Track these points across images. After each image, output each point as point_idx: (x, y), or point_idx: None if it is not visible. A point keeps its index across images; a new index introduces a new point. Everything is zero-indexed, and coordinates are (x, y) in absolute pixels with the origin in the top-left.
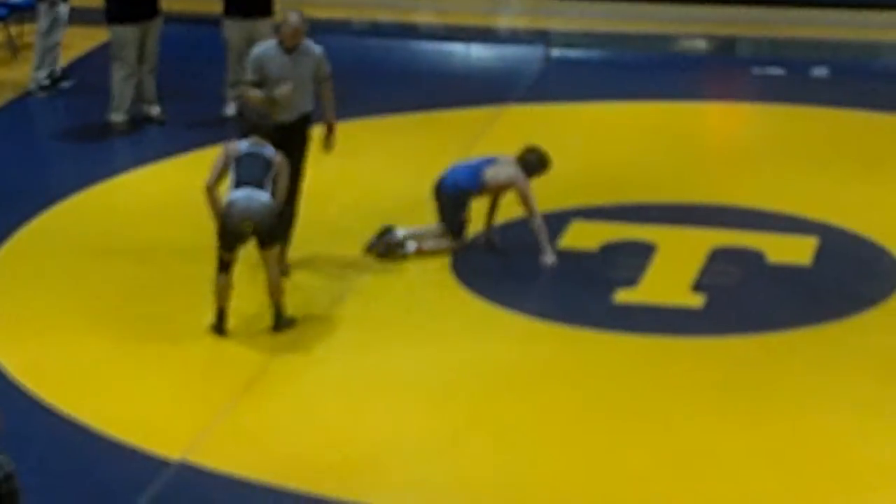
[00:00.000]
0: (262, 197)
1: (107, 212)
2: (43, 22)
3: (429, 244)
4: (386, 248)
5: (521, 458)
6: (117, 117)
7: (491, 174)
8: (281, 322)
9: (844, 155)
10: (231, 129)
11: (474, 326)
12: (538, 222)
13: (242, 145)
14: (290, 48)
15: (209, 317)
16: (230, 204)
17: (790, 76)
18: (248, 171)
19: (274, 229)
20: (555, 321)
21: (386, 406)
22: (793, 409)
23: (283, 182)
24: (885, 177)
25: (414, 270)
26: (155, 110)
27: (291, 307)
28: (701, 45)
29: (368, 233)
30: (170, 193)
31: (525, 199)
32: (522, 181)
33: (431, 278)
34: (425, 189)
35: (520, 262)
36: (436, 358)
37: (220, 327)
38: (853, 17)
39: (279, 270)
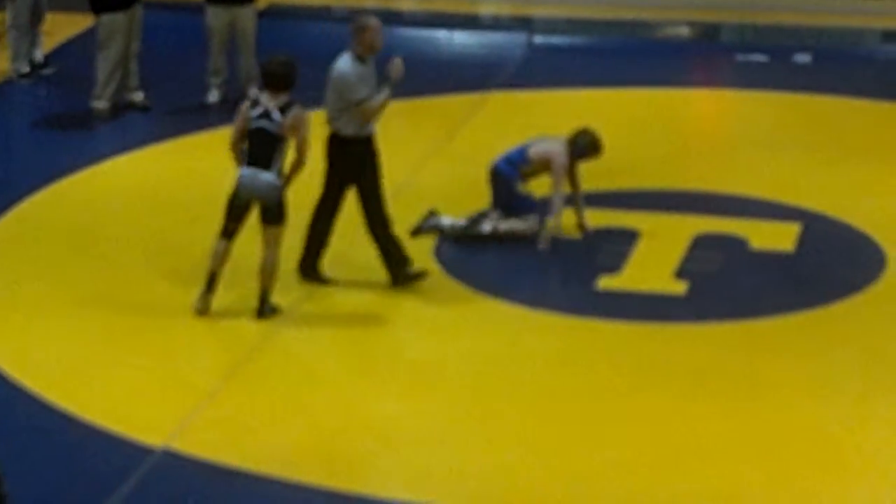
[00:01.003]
0: (267, 176)
1: (91, 199)
2: (13, 11)
3: (504, 226)
4: (431, 230)
5: (510, 446)
6: (100, 104)
7: (534, 149)
8: (265, 308)
9: (827, 141)
10: (214, 115)
11: (459, 315)
12: (557, 203)
13: (254, 112)
14: (366, 57)
15: (194, 299)
16: (238, 180)
17: (773, 62)
18: (256, 150)
19: (278, 206)
20: (539, 308)
21: (372, 395)
22: (776, 396)
23: (304, 134)
24: (867, 163)
25: None
26: (138, 96)
27: (276, 296)
28: (684, 31)
29: (347, 218)
30: (154, 180)
31: (556, 175)
32: (560, 157)
33: (414, 264)
34: (408, 174)
35: (503, 251)
36: (422, 347)
37: (207, 290)
38: (835, 4)
39: (277, 251)
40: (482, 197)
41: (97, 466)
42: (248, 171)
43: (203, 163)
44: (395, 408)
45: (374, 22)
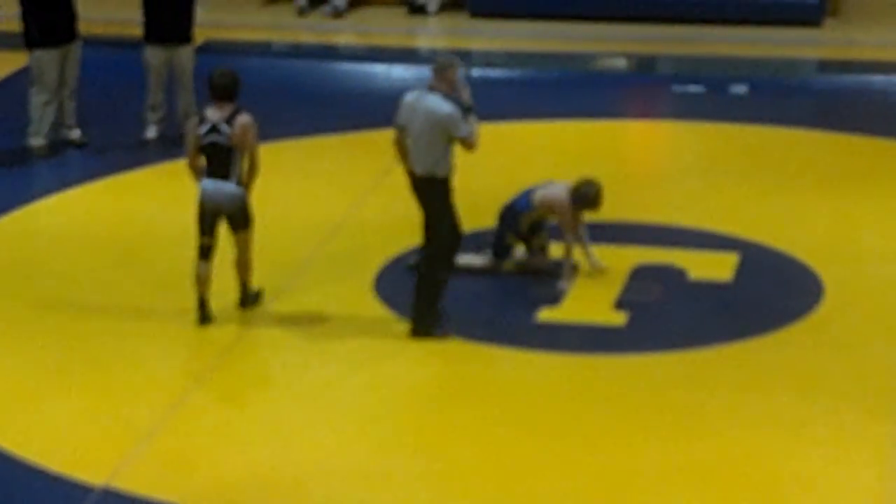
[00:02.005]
0: (229, 186)
1: (28, 236)
2: None
3: (462, 259)
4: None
5: (446, 478)
6: (37, 141)
7: (539, 195)
8: (247, 299)
9: (764, 171)
10: (151, 152)
11: (397, 347)
12: (571, 250)
13: (202, 129)
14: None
15: (129, 341)
16: (201, 192)
17: (709, 93)
18: (213, 164)
19: (243, 213)
20: (478, 340)
21: (310, 428)
22: (715, 426)
23: (252, 140)
24: (804, 192)
25: (337, 291)
26: (75, 133)
27: (209, 330)
28: (621, 63)
29: (288, 253)
30: (92, 217)
31: (565, 225)
32: (565, 207)
33: (354, 299)
34: (346, 209)
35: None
36: (360, 379)
37: (202, 315)
38: (770, 35)
39: (249, 251)
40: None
41: None
42: (210, 183)
43: (140, 200)
44: (334, 441)
45: (456, 61)
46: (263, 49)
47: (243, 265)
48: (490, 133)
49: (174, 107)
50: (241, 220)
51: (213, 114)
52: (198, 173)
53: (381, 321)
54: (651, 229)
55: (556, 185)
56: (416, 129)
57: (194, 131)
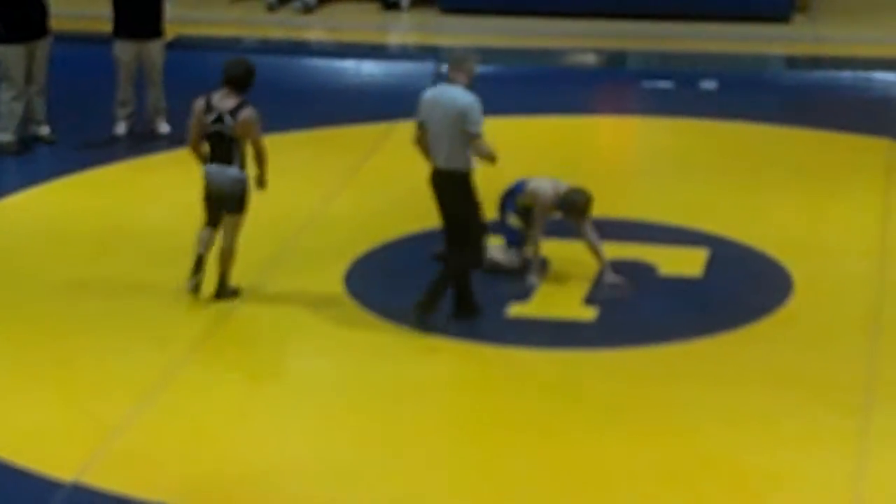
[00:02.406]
0: (231, 171)
1: None
2: None
3: (491, 253)
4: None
5: (421, 475)
6: (5, 137)
7: (532, 185)
8: (224, 291)
9: (733, 167)
10: (120, 148)
11: (368, 343)
12: (538, 245)
13: (209, 117)
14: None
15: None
16: (205, 176)
17: (679, 89)
18: (216, 150)
19: (241, 197)
20: (448, 336)
21: (281, 424)
22: (686, 421)
23: (255, 135)
24: (773, 187)
25: (307, 287)
26: (44, 130)
27: (178, 326)
28: (590, 59)
29: (258, 249)
30: (60, 214)
31: (534, 218)
32: (543, 203)
33: (324, 294)
34: (318, 205)
35: (412, 278)
36: (331, 376)
37: (196, 276)
38: (740, 31)
39: (235, 241)
40: (392, 226)
41: (4, 502)
42: (213, 167)
43: (110, 196)
44: (304, 438)
45: (473, 53)
46: (233, 45)
47: (227, 253)
48: None
49: (143, 103)
50: (237, 203)
51: (220, 102)
52: (202, 158)
53: (352, 317)
54: (621, 225)
55: (548, 182)
56: (437, 121)
57: (200, 118)
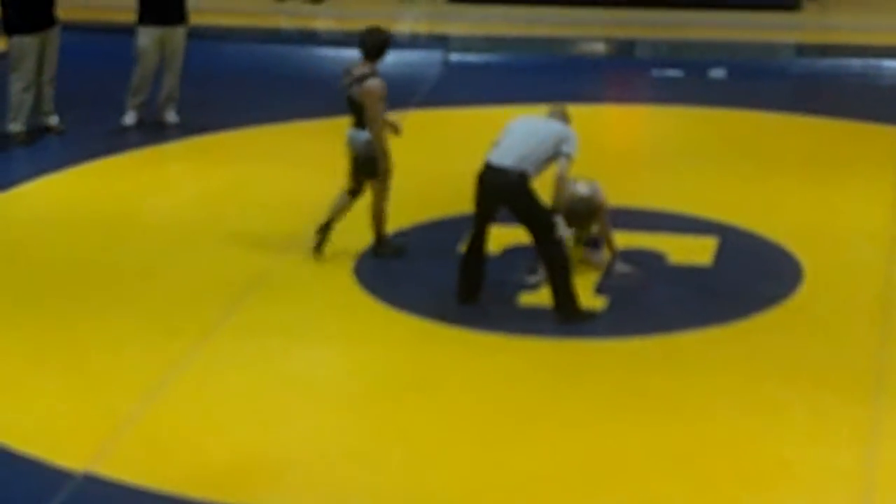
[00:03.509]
0: (363, 134)
1: (6, 223)
2: None
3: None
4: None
5: (426, 462)
6: (15, 127)
7: (584, 192)
8: (383, 248)
9: (742, 155)
10: (130, 137)
11: (377, 332)
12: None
13: (345, 82)
14: None
15: (109, 326)
16: (346, 138)
17: (688, 78)
18: (352, 115)
19: (371, 161)
20: (459, 325)
21: (291, 413)
22: (695, 410)
23: (368, 103)
24: (782, 176)
25: (317, 275)
26: (54, 120)
27: (189, 315)
28: (599, 47)
29: (270, 239)
30: (70, 203)
31: (603, 221)
32: (602, 200)
33: (334, 283)
34: (326, 194)
35: (422, 266)
36: (340, 364)
37: (319, 231)
38: (749, 19)
39: (381, 202)
40: (401, 216)
41: (15, 493)
42: (350, 131)
43: (120, 185)
44: (315, 426)
45: (566, 112)
46: (243, 34)
47: (375, 215)
48: (469, 118)
49: (157, 91)
50: (368, 167)
51: (355, 68)
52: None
53: (361, 305)
54: (630, 214)
55: (584, 185)
56: (523, 130)
57: (343, 81)
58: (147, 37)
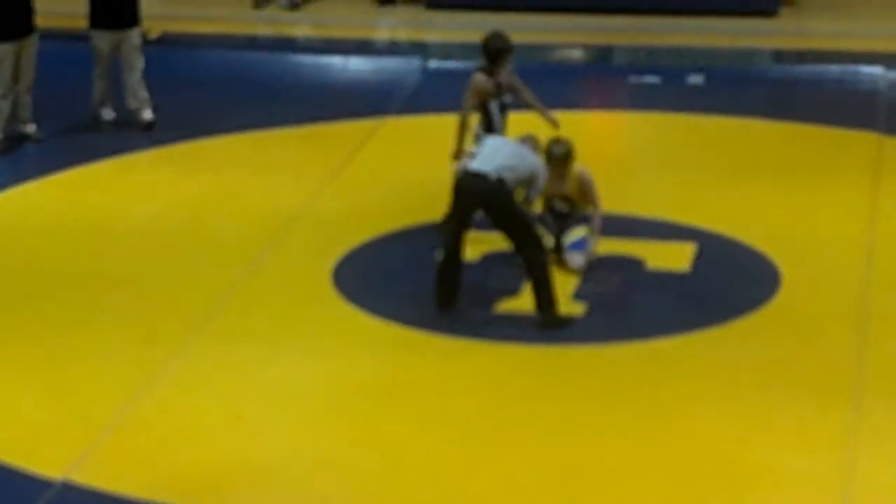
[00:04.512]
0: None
1: None
2: None
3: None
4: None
5: (405, 469)
6: None
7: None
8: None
9: (721, 161)
10: (108, 145)
11: (355, 339)
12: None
13: None
14: None
15: (87, 334)
16: None
17: (666, 84)
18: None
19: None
20: (437, 332)
21: (269, 420)
22: (675, 415)
23: (466, 96)
24: (760, 182)
25: (295, 283)
26: (31, 128)
27: (167, 323)
28: (577, 54)
29: (247, 246)
30: (47, 212)
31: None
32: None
33: (312, 290)
34: (305, 201)
35: (400, 273)
36: (318, 371)
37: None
38: (727, 26)
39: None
40: (379, 222)
41: None
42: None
43: (97, 194)
44: (294, 434)
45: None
46: (220, 41)
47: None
48: (448, 125)
49: (122, 92)
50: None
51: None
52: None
53: (339, 313)
54: (608, 220)
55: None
56: (504, 149)
57: None
58: (100, 39)
